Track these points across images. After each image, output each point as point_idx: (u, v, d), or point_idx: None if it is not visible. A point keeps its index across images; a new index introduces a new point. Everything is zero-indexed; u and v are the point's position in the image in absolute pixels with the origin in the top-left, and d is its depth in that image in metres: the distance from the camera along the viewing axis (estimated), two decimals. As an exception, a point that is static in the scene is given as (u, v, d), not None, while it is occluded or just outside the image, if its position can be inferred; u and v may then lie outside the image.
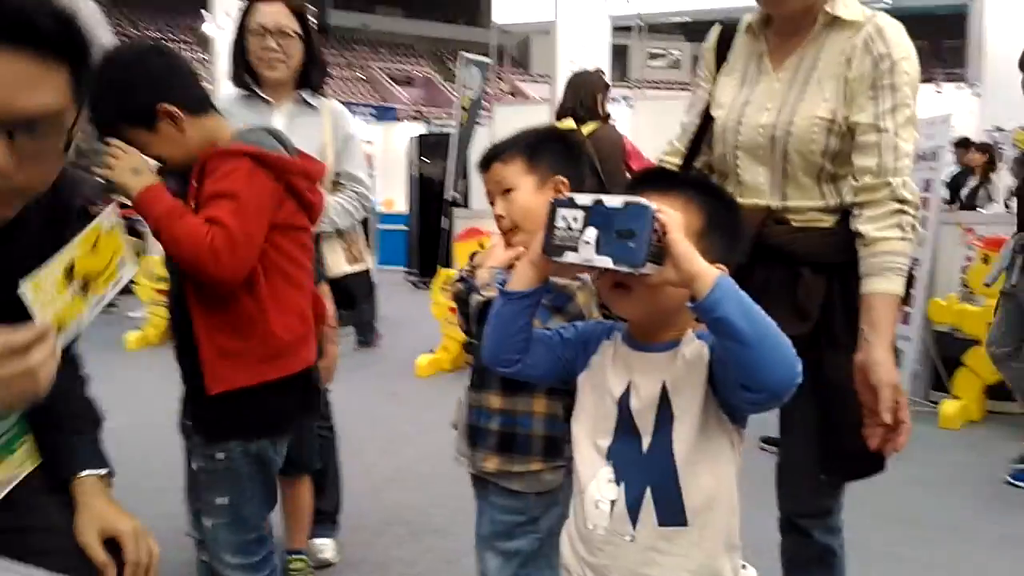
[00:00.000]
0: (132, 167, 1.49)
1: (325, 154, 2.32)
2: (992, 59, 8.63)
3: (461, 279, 1.52)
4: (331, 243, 2.40)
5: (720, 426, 1.08)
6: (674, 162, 1.74)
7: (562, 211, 1.01)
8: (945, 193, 8.82)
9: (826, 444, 1.56)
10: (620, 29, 11.92)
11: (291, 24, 2.27)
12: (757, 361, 0.96)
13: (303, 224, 1.61)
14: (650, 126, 7.55)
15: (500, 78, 15.96)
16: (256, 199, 1.47)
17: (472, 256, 1.57)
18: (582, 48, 6.39)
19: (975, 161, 8.15)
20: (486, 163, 1.52)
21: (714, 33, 1.70)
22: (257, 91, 2.32)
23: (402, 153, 10.63)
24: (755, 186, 1.57)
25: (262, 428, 1.60)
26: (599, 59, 6.77)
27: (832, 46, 1.50)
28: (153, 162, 1.54)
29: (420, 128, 13.82)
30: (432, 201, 8.31)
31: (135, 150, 1.52)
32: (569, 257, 1.01)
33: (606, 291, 1.10)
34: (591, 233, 0.98)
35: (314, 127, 2.33)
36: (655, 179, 1.16)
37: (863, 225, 1.46)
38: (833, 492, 1.65)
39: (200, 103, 1.54)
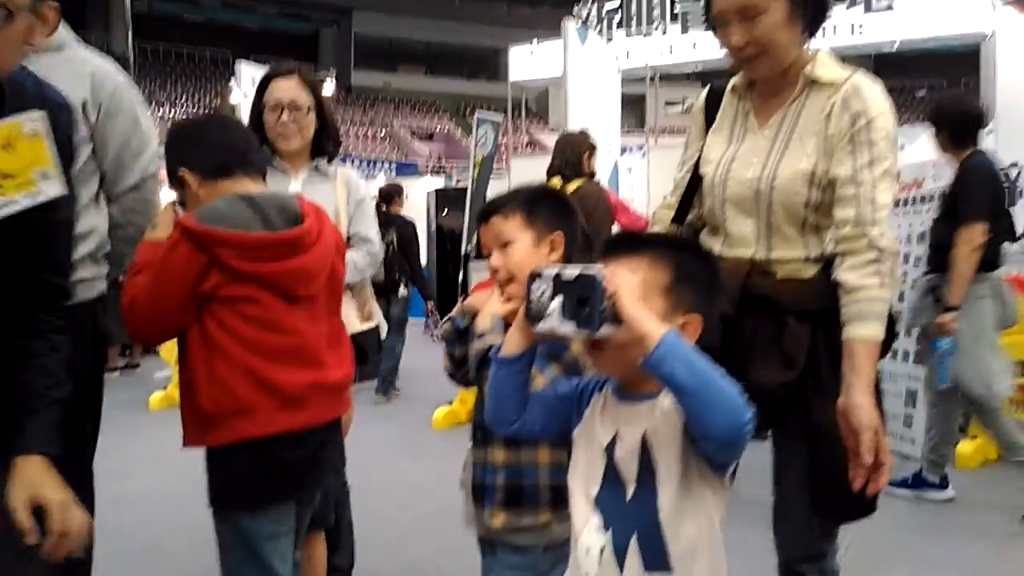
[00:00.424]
0: (153, 224, 1.79)
1: (339, 218, 2.45)
2: (1005, 97, 8.66)
3: (449, 319, 1.60)
4: (345, 301, 2.46)
5: (701, 475, 1.12)
6: (668, 216, 1.83)
7: (535, 282, 1.12)
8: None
9: (816, 488, 1.59)
10: (636, 80, 12.21)
11: (304, 98, 2.39)
12: (703, 412, 1.03)
13: (244, 295, 1.60)
14: (664, 173, 7.67)
15: (518, 130, 16.26)
16: (172, 271, 1.58)
17: (463, 299, 1.67)
18: (594, 101, 6.53)
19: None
20: (486, 215, 1.60)
21: (702, 96, 1.81)
22: (275, 162, 2.45)
23: (422, 207, 10.86)
24: (742, 237, 1.64)
25: (224, 496, 1.65)
26: (610, 111, 6.92)
27: (813, 105, 1.59)
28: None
29: (439, 182, 14.09)
30: (451, 254, 8.45)
31: (167, 212, 1.80)
32: (541, 326, 1.12)
33: (585, 350, 1.20)
34: (556, 303, 1.10)
35: (327, 193, 2.45)
36: (623, 243, 1.24)
37: (843, 274, 1.52)
38: (826, 536, 1.67)
39: (213, 170, 1.70)
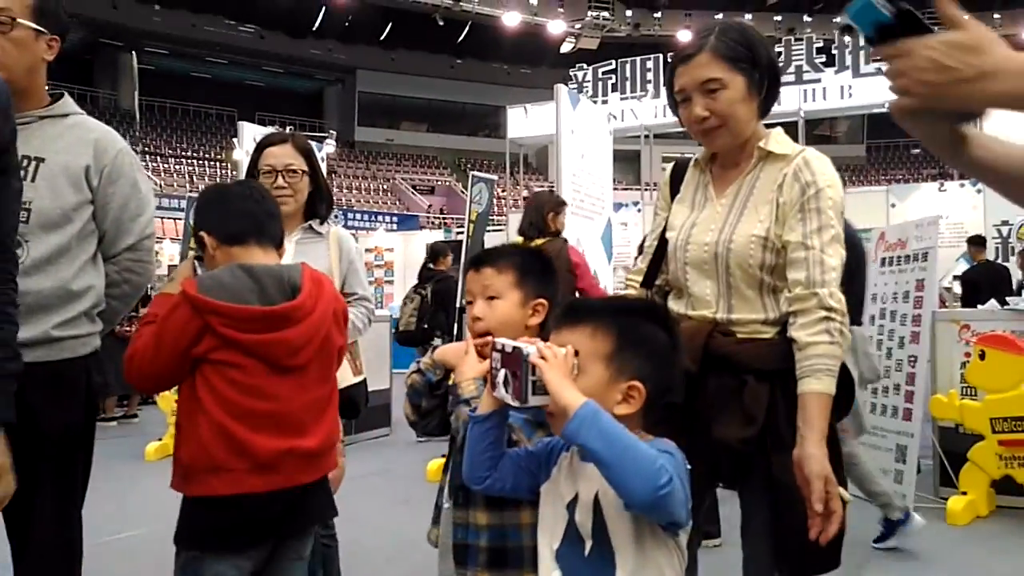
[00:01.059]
0: (171, 277, 1.97)
1: (332, 277, 2.51)
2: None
3: (418, 370, 1.62)
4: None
5: (653, 535, 1.18)
6: (637, 280, 1.94)
7: (494, 352, 1.24)
8: (958, 288, 8.92)
9: (779, 541, 1.64)
10: (632, 137, 12.49)
11: (298, 163, 2.49)
12: (619, 478, 1.10)
13: (232, 360, 1.70)
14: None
15: (517, 185, 16.53)
16: (171, 329, 1.71)
17: (431, 350, 1.68)
18: (587, 161, 6.69)
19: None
20: (479, 263, 1.63)
21: (668, 170, 1.94)
22: None
23: (421, 259, 10.98)
24: (702, 298, 1.73)
25: (188, 539, 1.76)
26: (603, 170, 7.10)
27: (767, 176, 1.71)
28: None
29: (439, 235, 14.27)
30: (448, 306, 8.52)
31: (187, 266, 1.97)
32: (496, 393, 1.25)
33: (532, 414, 1.32)
34: (502, 374, 1.22)
35: (320, 253, 2.54)
36: (569, 313, 1.31)
37: (796, 332, 1.61)
38: None
39: (228, 237, 1.84)
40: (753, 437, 1.60)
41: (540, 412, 1.50)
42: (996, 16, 29.88)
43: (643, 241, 2.07)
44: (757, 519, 1.69)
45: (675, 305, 1.81)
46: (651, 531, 1.17)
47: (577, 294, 3.98)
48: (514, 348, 1.19)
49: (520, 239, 3.98)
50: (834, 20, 27.41)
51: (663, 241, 1.85)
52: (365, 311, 2.63)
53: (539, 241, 3.93)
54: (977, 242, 8.67)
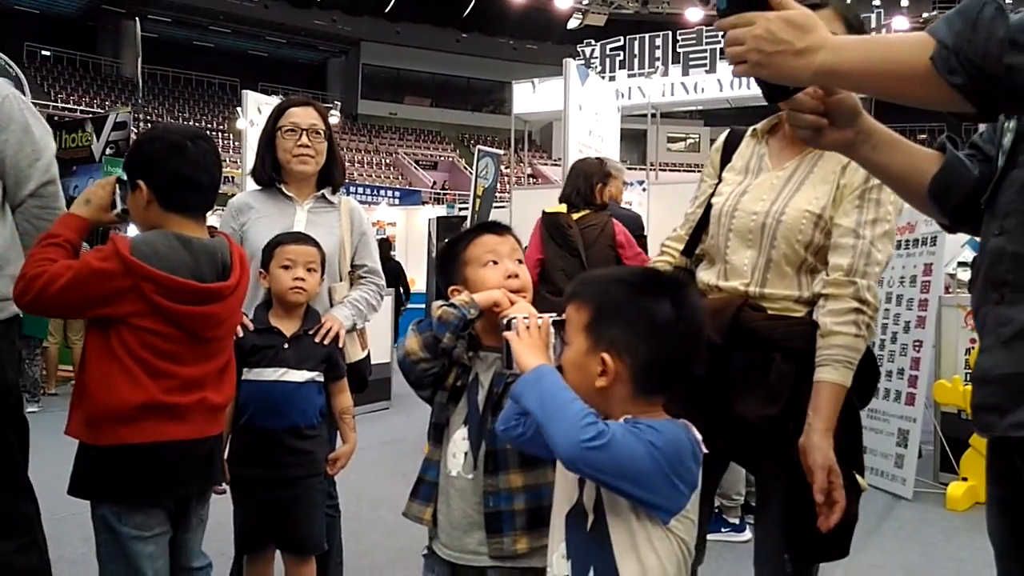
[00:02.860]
0: (87, 197, 1.84)
1: (344, 248, 2.53)
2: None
3: (452, 304, 1.53)
4: (351, 334, 2.52)
5: (639, 518, 1.17)
6: (676, 248, 1.88)
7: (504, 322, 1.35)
8: (963, 275, 8.88)
9: (792, 524, 1.61)
10: (638, 115, 12.38)
11: (321, 125, 2.47)
12: (547, 432, 1.15)
13: (155, 328, 1.71)
14: (664, 208, 7.76)
15: (521, 162, 16.45)
16: (94, 279, 1.66)
17: (451, 292, 1.62)
18: (594, 138, 6.63)
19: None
20: (507, 228, 1.69)
21: (722, 137, 1.88)
22: (282, 188, 2.50)
23: (424, 234, 10.95)
24: (739, 268, 1.68)
25: (87, 489, 1.76)
26: (611, 149, 7.02)
27: (832, 156, 1.63)
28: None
29: (441, 211, 14.21)
30: (450, 282, 8.51)
31: (106, 191, 1.84)
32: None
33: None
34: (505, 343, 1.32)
35: (332, 223, 2.53)
36: (572, 288, 1.30)
37: (823, 316, 1.56)
38: (800, 574, 1.67)
39: (173, 204, 1.79)
40: (775, 416, 1.57)
41: None
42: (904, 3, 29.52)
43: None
44: (773, 503, 1.66)
45: (706, 275, 1.76)
46: (647, 515, 1.16)
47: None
48: (506, 321, 1.29)
49: (561, 207, 3.82)
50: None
51: (708, 208, 1.79)
52: (376, 288, 2.61)
53: (583, 212, 3.80)
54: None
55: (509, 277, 1.59)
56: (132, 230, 2.00)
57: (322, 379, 2.27)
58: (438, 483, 1.60)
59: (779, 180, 1.67)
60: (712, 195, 1.79)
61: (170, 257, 1.73)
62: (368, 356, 2.64)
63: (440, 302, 1.56)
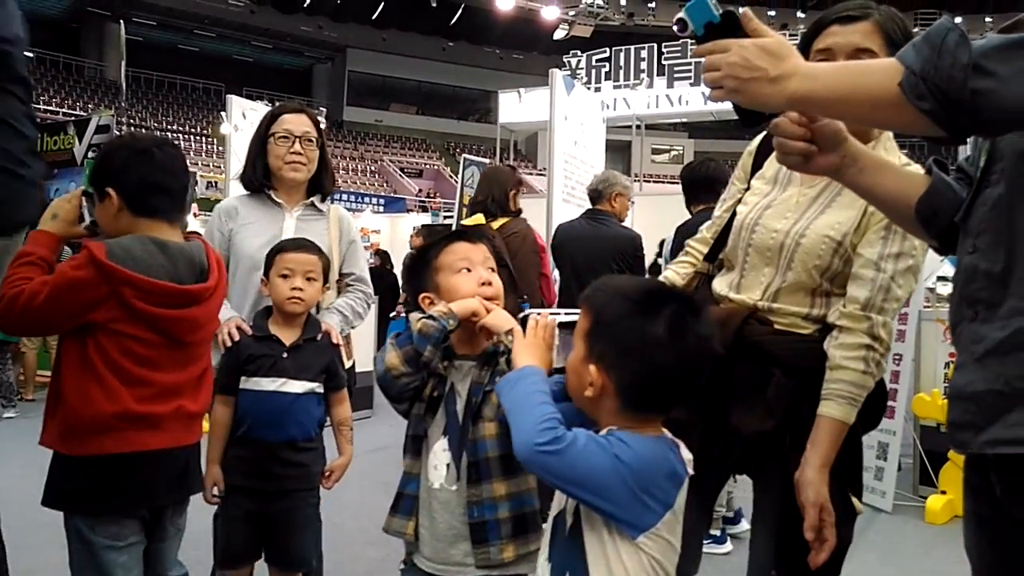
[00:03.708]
0: (53, 212, 1.81)
1: (332, 255, 2.50)
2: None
3: (430, 317, 1.49)
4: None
5: (610, 530, 1.16)
6: (699, 250, 1.84)
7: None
8: (942, 289, 8.97)
9: (783, 540, 1.59)
10: (623, 127, 12.46)
11: (314, 132, 2.47)
12: (513, 434, 1.19)
13: (134, 333, 1.70)
14: (649, 219, 7.78)
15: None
16: (72, 289, 1.64)
17: (422, 299, 1.61)
18: (579, 149, 6.65)
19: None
20: (481, 236, 1.68)
21: (755, 141, 1.82)
22: (271, 195, 2.48)
23: (407, 242, 10.92)
24: (754, 284, 1.64)
25: (62, 500, 1.75)
26: (596, 159, 7.05)
27: None
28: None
29: (426, 219, 14.19)
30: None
31: (72, 204, 1.81)
32: None
33: None
34: None
35: (321, 231, 2.51)
36: (589, 291, 1.29)
37: (833, 349, 1.52)
38: None
39: (145, 209, 1.78)
40: (770, 431, 1.54)
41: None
42: (988, 19, 30.05)
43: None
44: (767, 517, 1.65)
45: (719, 283, 1.72)
46: (616, 528, 1.16)
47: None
48: (524, 316, 1.34)
49: (478, 217, 3.76)
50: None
51: (735, 214, 1.75)
52: (363, 296, 2.59)
53: (502, 220, 3.73)
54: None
55: (483, 284, 1.58)
56: None
57: (322, 390, 2.23)
58: (418, 496, 1.58)
59: (805, 199, 1.63)
60: (740, 201, 1.76)
61: (147, 260, 1.72)
62: (353, 366, 2.63)
63: (418, 314, 1.53)
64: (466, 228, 1.77)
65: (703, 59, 1.13)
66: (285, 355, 2.18)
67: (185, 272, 1.79)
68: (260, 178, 2.48)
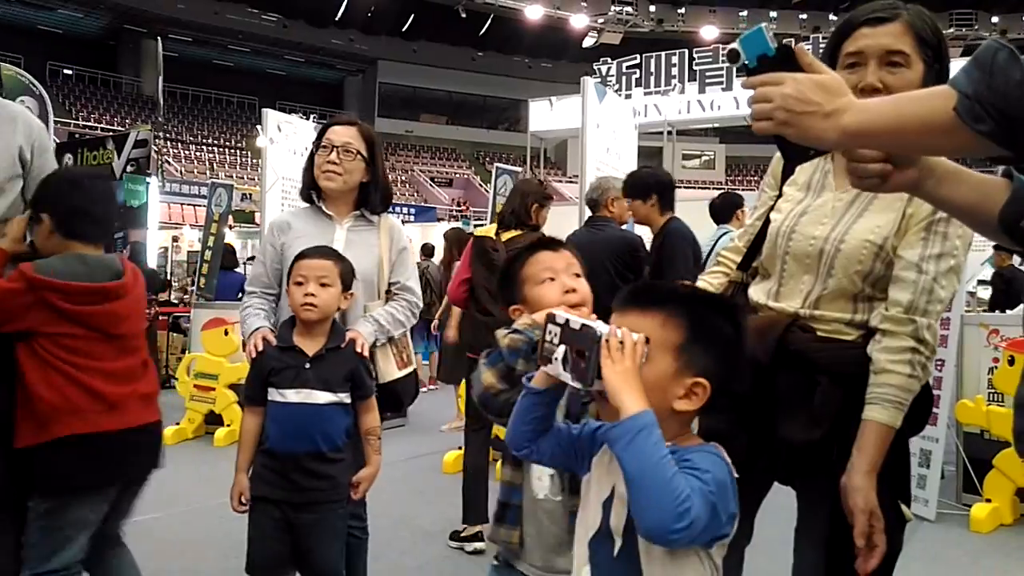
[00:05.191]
0: (2, 232, 2.08)
1: (382, 266, 2.50)
2: None
3: (516, 331, 1.50)
4: (384, 351, 2.47)
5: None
6: (732, 259, 1.81)
7: (549, 325, 1.16)
8: (983, 293, 8.80)
9: (832, 552, 1.55)
10: (654, 133, 12.41)
11: (358, 144, 2.47)
12: (638, 504, 1.05)
13: (67, 332, 1.98)
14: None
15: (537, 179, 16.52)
16: (2, 297, 1.93)
17: (512, 312, 1.61)
18: (611, 156, 6.64)
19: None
20: (561, 243, 1.69)
21: None
22: (321, 206, 2.50)
23: (440, 250, 10.97)
24: (794, 292, 1.61)
25: (54, 485, 1.99)
26: (627, 166, 7.04)
27: None
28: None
29: (457, 227, 14.24)
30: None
31: (20, 225, 2.08)
32: (548, 368, 1.16)
33: (595, 397, 1.21)
34: (561, 350, 1.14)
35: (371, 241, 2.51)
36: (639, 296, 1.22)
37: (877, 352, 1.49)
38: None
39: (70, 232, 2.06)
40: (818, 441, 1.51)
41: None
42: (995, 20, 29.47)
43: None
44: (815, 527, 1.60)
45: (756, 291, 1.69)
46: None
47: None
48: (583, 326, 1.11)
49: (490, 228, 3.79)
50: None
51: (767, 222, 1.71)
52: (406, 304, 2.54)
53: (514, 232, 3.71)
54: (1001, 248, 8.50)
55: (567, 292, 1.58)
56: None
57: (348, 399, 2.21)
58: (521, 507, 1.59)
59: (841, 204, 1.59)
60: (772, 208, 1.72)
61: (67, 271, 2.00)
62: (413, 374, 2.57)
63: (504, 330, 1.55)
64: (547, 239, 1.75)
65: (753, 91, 1.11)
66: (308, 365, 2.16)
67: (101, 277, 2.06)
68: (307, 190, 2.51)
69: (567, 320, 1.14)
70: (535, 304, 1.58)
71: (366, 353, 2.29)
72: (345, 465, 2.21)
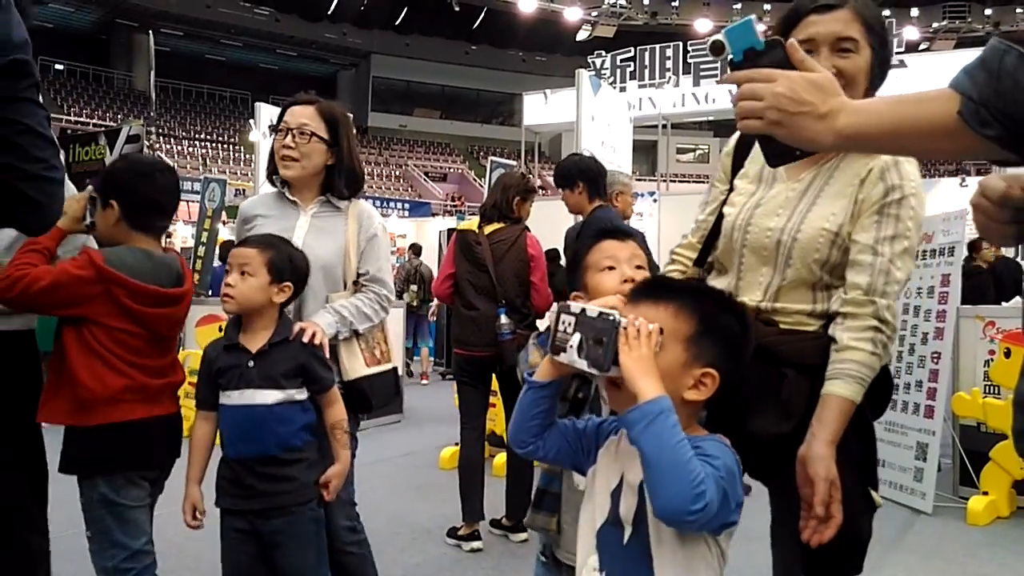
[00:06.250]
0: (65, 209, 1.96)
1: (348, 255, 2.32)
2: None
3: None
4: (349, 345, 2.31)
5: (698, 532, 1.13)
6: (687, 255, 1.81)
7: (562, 315, 1.18)
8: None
9: (809, 544, 1.52)
10: (648, 126, 12.40)
11: (314, 125, 2.27)
12: (656, 485, 1.07)
13: (122, 327, 2.00)
14: (675, 218, 7.73)
15: (531, 173, 16.46)
16: (71, 283, 1.92)
17: (573, 297, 1.58)
18: (606, 149, 6.62)
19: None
20: (628, 234, 1.71)
21: (733, 139, 1.79)
22: (285, 192, 2.35)
23: (435, 245, 10.96)
24: (753, 285, 1.63)
25: (83, 466, 2.03)
26: (622, 159, 7.03)
27: (848, 168, 1.57)
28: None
29: (452, 222, 14.21)
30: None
31: (80, 204, 2.06)
32: (561, 357, 1.17)
33: (603, 386, 1.23)
34: (576, 338, 1.15)
35: (338, 228, 2.33)
36: (651, 288, 1.26)
37: (839, 332, 1.51)
38: None
39: (139, 224, 2.09)
40: (788, 434, 1.51)
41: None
42: (988, 12, 29.51)
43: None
44: (789, 521, 1.60)
45: (716, 286, 1.69)
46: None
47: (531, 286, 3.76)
48: (600, 314, 1.13)
49: (471, 222, 3.77)
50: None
51: (720, 217, 1.73)
52: (374, 296, 2.34)
53: (497, 225, 3.69)
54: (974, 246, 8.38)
55: (625, 282, 1.59)
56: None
57: (303, 396, 2.04)
58: (561, 494, 1.62)
59: (795, 193, 1.60)
60: (724, 202, 1.73)
61: (136, 267, 2.01)
62: (390, 371, 2.42)
63: (554, 308, 1.56)
64: (613, 228, 1.76)
65: (737, 86, 1.06)
66: (251, 363, 2.01)
67: (165, 278, 2.08)
68: (271, 174, 2.38)
69: (583, 309, 1.15)
70: (593, 291, 1.60)
71: (321, 342, 2.11)
72: (307, 464, 2.06)
